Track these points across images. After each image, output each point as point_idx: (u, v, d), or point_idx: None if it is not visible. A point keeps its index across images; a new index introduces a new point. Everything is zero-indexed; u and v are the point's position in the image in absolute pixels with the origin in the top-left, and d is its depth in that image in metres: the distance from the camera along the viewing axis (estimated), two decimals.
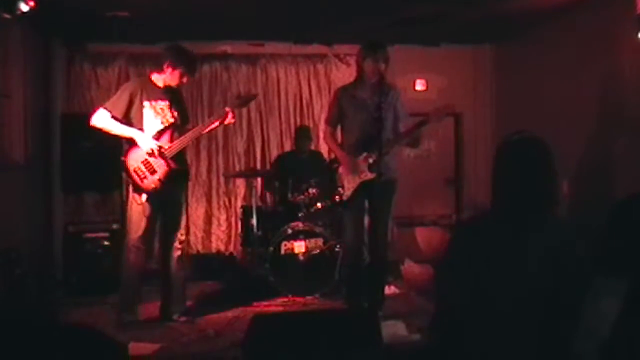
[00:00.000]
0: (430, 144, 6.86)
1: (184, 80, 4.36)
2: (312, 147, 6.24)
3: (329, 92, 6.61)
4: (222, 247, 6.51)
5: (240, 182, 6.52)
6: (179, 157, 4.37)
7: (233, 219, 6.55)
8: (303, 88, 6.68)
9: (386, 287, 4.91)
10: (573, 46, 5.27)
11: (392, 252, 4.90)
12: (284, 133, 6.67)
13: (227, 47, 6.53)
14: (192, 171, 6.49)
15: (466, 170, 6.94)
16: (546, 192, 2.09)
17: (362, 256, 4.56)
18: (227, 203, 6.59)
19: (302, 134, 6.09)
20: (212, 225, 6.57)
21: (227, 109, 4.44)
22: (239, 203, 6.48)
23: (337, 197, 4.45)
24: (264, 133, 6.66)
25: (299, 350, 3.12)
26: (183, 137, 4.35)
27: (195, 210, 6.51)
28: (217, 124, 4.44)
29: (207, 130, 4.47)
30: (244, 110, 6.55)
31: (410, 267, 6.01)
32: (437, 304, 2.22)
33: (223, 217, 6.58)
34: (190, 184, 6.42)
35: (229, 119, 4.42)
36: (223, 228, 6.56)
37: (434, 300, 2.26)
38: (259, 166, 6.53)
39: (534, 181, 2.07)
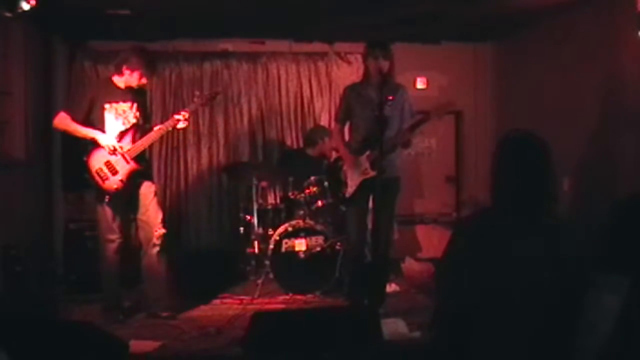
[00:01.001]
0: (431, 141, 6.87)
1: (143, 81, 4.43)
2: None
3: (330, 90, 6.61)
4: (222, 245, 6.51)
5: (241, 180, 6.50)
6: (141, 157, 4.43)
7: (234, 217, 6.55)
8: (304, 86, 6.66)
9: (387, 285, 4.92)
10: (574, 44, 5.27)
11: (393, 250, 4.90)
12: (284, 131, 6.66)
13: (228, 45, 6.52)
14: (194, 168, 6.52)
15: (467, 168, 6.94)
16: (545, 190, 2.10)
17: (363, 254, 4.57)
18: (227, 200, 6.58)
19: (318, 134, 5.99)
20: (212, 222, 6.57)
21: (179, 115, 4.45)
22: (240, 200, 6.47)
23: (343, 194, 4.50)
24: (265, 131, 6.66)
25: (299, 348, 3.13)
26: (145, 137, 4.40)
27: (196, 208, 6.52)
28: (170, 129, 4.50)
29: (164, 131, 4.48)
30: (245, 108, 6.57)
31: (410, 265, 6.01)
32: (437, 301, 2.22)
33: (224, 214, 6.57)
34: (191, 181, 6.49)
35: (181, 124, 4.47)
36: (224, 225, 6.56)
37: (434, 298, 2.27)
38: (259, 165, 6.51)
39: (533, 179, 2.08)
